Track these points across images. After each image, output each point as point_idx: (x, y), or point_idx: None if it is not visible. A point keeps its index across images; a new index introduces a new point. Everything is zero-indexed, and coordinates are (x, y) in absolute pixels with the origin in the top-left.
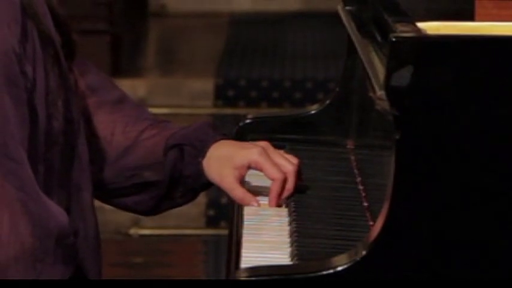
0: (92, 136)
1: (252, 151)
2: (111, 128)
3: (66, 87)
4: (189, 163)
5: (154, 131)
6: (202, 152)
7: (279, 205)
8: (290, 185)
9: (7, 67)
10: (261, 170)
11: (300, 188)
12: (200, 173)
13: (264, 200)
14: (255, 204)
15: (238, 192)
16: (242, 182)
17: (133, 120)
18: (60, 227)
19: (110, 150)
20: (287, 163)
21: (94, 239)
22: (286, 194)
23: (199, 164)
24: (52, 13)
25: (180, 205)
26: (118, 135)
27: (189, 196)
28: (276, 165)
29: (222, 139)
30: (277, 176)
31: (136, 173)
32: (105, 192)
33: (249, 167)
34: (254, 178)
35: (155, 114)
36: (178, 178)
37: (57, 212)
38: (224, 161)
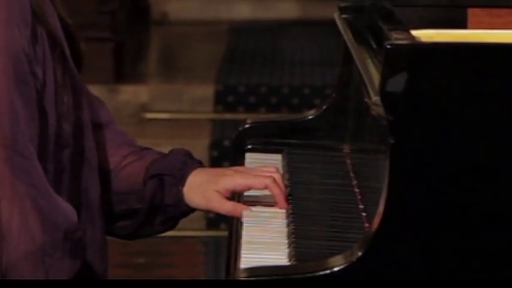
0: None
1: (235, 176)
2: (102, 148)
3: (74, 89)
4: (170, 192)
5: (135, 157)
6: (182, 180)
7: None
8: (281, 184)
9: (17, 67)
10: (248, 188)
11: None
12: (181, 201)
13: (264, 210)
14: (247, 211)
15: (228, 205)
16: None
17: (116, 145)
18: (69, 223)
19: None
20: (266, 169)
21: (101, 240)
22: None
23: (180, 192)
24: (61, 23)
25: (160, 232)
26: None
27: (170, 224)
28: (259, 175)
29: (199, 167)
30: (267, 181)
31: (123, 199)
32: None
33: (233, 191)
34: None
35: (135, 141)
36: (159, 207)
37: (66, 208)
38: (207, 186)
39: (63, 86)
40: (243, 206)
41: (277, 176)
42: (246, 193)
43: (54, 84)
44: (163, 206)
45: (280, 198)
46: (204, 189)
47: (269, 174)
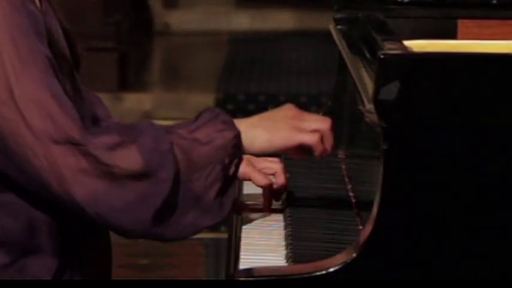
0: None
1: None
2: None
3: (79, 100)
4: None
5: None
6: None
7: (275, 209)
8: (281, 180)
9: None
10: (249, 179)
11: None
12: None
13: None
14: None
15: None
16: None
17: None
18: None
19: None
20: (271, 164)
21: (105, 242)
22: (280, 189)
23: None
24: (61, 26)
25: None
26: None
27: None
28: (261, 171)
29: None
30: (264, 181)
31: None
32: None
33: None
34: (251, 186)
35: None
36: None
37: None
38: None
39: (72, 99)
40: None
41: (280, 169)
42: (245, 192)
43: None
44: None
45: (265, 204)
46: None
47: (271, 171)
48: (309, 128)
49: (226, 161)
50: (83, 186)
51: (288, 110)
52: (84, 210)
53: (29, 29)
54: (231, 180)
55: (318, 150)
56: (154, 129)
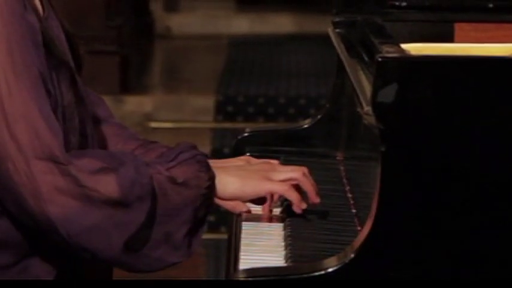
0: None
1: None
2: (102, 142)
3: (80, 105)
4: None
5: (143, 150)
6: None
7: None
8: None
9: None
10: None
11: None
12: None
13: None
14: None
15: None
16: None
17: (123, 139)
18: None
19: None
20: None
21: None
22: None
23: None
24: (62, 29)
25: None
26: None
27: None
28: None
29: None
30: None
31: None
32: None
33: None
34: None
35: (138, 134)
36: None
37: None
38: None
39: (71, 103)
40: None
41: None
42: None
43: (62, 101)
44: None
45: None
46: None
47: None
48: (279, 178)
49: (198, 202)
50: (58, 205)
51: (263, 164)
52: (56, 229)
53: (27, 40)
54: (201, 222)
55: (292, 198)
56: (136, 160)
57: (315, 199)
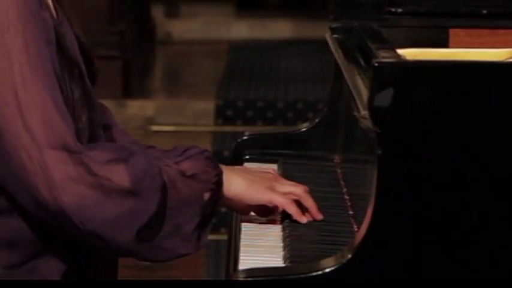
0: None
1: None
2: None
3: (89, 104)
4: None
5: None
6: None
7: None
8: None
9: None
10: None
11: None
12: None
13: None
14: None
15: None
16: None
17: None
18: None
19: None
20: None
21: None
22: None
23: None
24: (78, 41)
25: None
26: None
27: None
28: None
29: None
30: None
31: None
32: None
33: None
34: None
35: (138, 141)
36: None
37: None
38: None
39: (81, 105)
40: None
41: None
42: None
43: (73, 102)
44: None
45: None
46: None
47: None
48: (282, 190)
49: (207, 197)
50: (71, 194)
51: (268, 173)
52: (70, 218)
53: (42, 35)
54: (209, 216)
55: (292, 211)
56: (145, 152)
57: (317, 216)
